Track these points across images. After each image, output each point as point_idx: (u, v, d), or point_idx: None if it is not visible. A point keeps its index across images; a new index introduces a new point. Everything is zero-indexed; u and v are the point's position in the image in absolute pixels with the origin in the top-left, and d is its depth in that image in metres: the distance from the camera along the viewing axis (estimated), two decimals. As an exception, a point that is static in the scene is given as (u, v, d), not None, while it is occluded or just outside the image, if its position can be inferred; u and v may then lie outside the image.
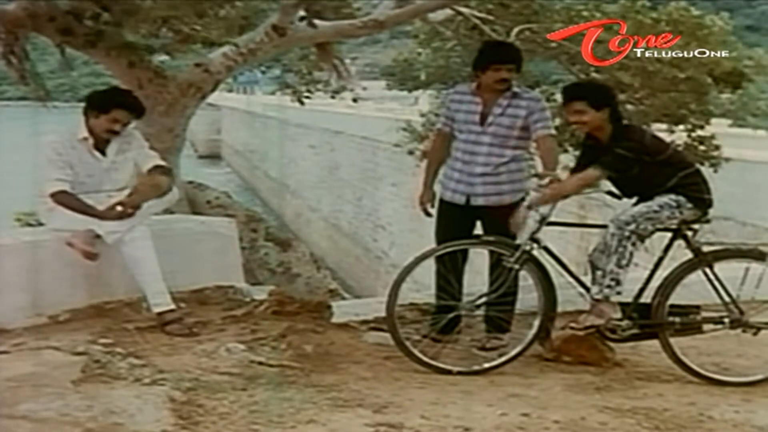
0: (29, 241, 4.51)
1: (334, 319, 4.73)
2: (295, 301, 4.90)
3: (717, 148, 9.95)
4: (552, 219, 4.17)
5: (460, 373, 4.01)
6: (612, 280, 4.06)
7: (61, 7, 6.56)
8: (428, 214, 4.72)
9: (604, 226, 4.17)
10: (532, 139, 4.51)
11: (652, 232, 4.13)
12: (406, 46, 13.66)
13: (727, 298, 4.15)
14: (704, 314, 4.21)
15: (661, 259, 4.21)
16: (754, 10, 49.41)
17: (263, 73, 12.23)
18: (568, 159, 9.80)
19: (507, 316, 4.34)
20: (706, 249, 4.18)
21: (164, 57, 8.11)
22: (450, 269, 4.32)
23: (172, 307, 4.37)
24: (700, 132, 9.91)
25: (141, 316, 4.42)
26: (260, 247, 7.71)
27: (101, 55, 7.10)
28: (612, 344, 4.28)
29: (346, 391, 3.59)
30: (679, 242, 4.19)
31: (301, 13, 7.44)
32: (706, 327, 4.20)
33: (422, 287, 4.81)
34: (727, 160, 9.90)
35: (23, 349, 3.91)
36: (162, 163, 4.67)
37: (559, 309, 4.26)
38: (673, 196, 4.09)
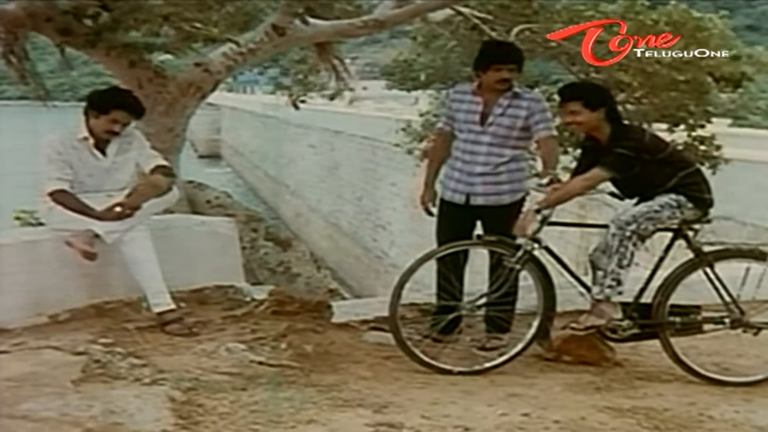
0: (29, 240, 4.51)
1: (334, 319, 4.73)
2: (295, 301, 4.90)
3: (717, 148, 9.95)
4: (552, 219, 4.17)
5: (460, 373, 4.01)
6: (613, 280, 4.06)
7: (60, 6, 6.55)
8: (430, 213, 4.72)
9: (605, 226, 4.17)
10: (533, 140, 4.51)
11: (653, 232, 4.13)
12: (405, 46, 13.67)
13: (727, 298, 4.15)
14: (705, 314, 4.21)
15: (662, 259, 4.21)
16: (754, 10, 49.43)
17: (260, 74, 12.25)
18: (568, 160, 9.83)
19: (507, 316, 4.34)
20: (706, 249, 4.18)
21: (165, 56, 8.11)
22: (451, 269, 4.32)
23: (172, 306, 4.37)
24: (700, 132, 9.91)
25: (141, 316, 4.42)
26: (260, 246, 7.70)
27: (101, 55, 7.10)
28: (612, 344, 4.28)
29: (346, 391, 3.59)
30: (680, 242, 4.19)
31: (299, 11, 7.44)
32: (706, 327, 4.20)
33: (423, 287, 4.81)
34: (727, 161, 9.91)
35: (23, 348, 3.91)
36: (164, 163, 4.67)
37: (559, 309, 4.26)
38: (673, 196, 4.09)
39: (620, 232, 4.03)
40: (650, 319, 4.13)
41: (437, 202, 4.68)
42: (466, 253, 4.39)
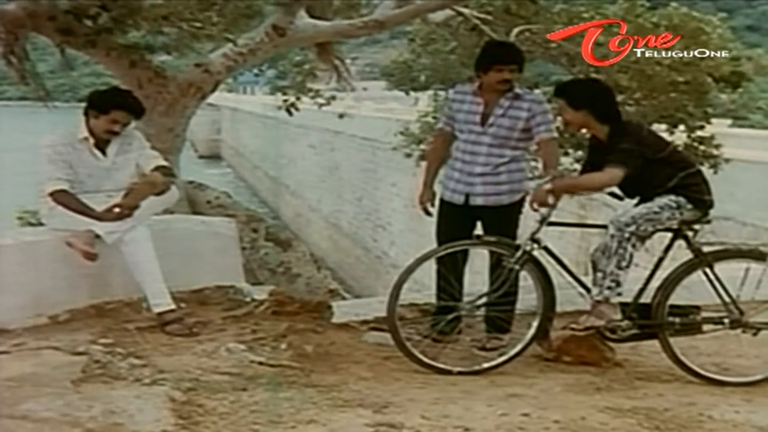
0: (29, 241, 4.51)
1: (335, 319, 4.73)
2: (296, 301, 4.90)
3: (717, 148, 9.95)
4: (552, 219, 4.17)
5: (460, 373, 4.01)
6: (612, 281, 4.05)
7: (61, 6, 6.56)
8: (428, 213, 4.72)
9: (604, 227, 4.17)
10: (534, 141, 4.51)
11: (653, 233, 4.13)
12: (405, 46, 13.63)
13: (727, 299, 4.15)
14: (704, 314, 4.20)
15: (661, 260, 4.21)
16: (754, 10, 49.41)
17: (257, 75, 12.24)
18: (568, 161, 9.83)
19: (507, 316, 4.34)
20: (706, 249, 4.18)
21: (165, 57, 8.11)
22: (450, 269, 4.32)
23: (173, 307, 4.37)
24: (700, 132, 9.91)
25: (141, 316, 4.42)
26: (260, 247, 7.70)
27: (101, 55, 7.11)
28: (612, 344, 4.28)
29: (347, 391, 3.59)
30: (679, 242, 4.19)
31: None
32: (706, 327, 4.20)
33: (422, 287, 4.81)
34: (727, 161, 9.91)
35: (23, 349, 3.91)
36: (164, 163, 4.67)
37: (559, 309, 4.26)
38: (673, 197, 4.09)
39: (619, 233, 4.03)
40: (650, 319, 4.13)
41: (437, 202, 4.68)
42: (465, 253, 4.39)
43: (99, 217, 4.31)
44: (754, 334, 4.18)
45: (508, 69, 4.44)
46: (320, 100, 11.16)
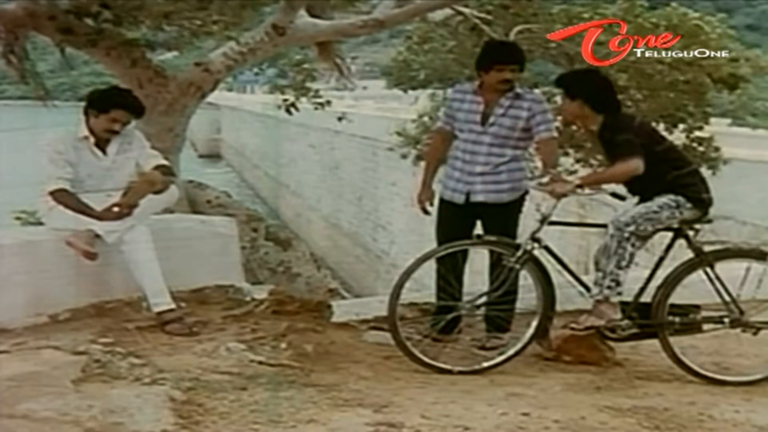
0: (29, 240, 4.51)
1: (334, 319, 4.73)
2: (295, 301, 4.90)
3: (717, 149, 9.96)
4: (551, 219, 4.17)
5: (460, 372, 4.01)
6: (612, 281, 4.05)
7: (61, 6, 6.56)
8: (427, 213, 4.72)
9: (605, 226, 4.17)
10: (534, 140, 4.51)
11: (653, 233, 4.13)
12: (403, 44, 13.62)
13: (727, 298, 4.14)
14: (704, 314, 4.20)
15: (662, 259, 4.20)
16: (754, 10, 49.40)
17: (257, 74, 12.24)
18: (569, 162, 9.83)
19: (507, 315, 4.34)
20: (707, 249, 4.17)
21: (167, 55, 8.12)
22: (450, 269, 4.32)
23: (172, 306, 4.37)
24: (698, 133, 9.92)
25: (141, 316, 4.42)
26: (260, 246, 7.71)
27: (101, 55, 7.11)
28: (612, 343, 4.28)
29: (346, 391, 3.59)
30: (679, 242, 4.19)
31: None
32: (706, 326, 4.20)
33: (422, 287, 4.81)
34: (726, 162, 9.91)
35: (23, 348, 3.91)
36: (164, 162, 4.66)
37: (559, 308, 4.26)
38: (672, 197, 4.09)
39: (618, 233, 4.03)
40: (650, 318, 4.12)
41: (437, 201, 4.67)
42: (465, 252, 4.39)
43: (99, 217, 4.31)
44: (755, 334, 4.18)
45: (509, 69, 4.43)
46: (318, 100, 11.16)
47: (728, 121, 16.54)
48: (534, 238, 4.11)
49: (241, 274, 5.29)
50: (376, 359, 4.16)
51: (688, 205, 4.10)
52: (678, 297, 4.16)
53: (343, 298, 7.67)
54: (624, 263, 4.03)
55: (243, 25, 7.84)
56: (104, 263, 4.37)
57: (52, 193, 4.39)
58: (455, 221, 4.52)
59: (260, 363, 3.88)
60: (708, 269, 4.13)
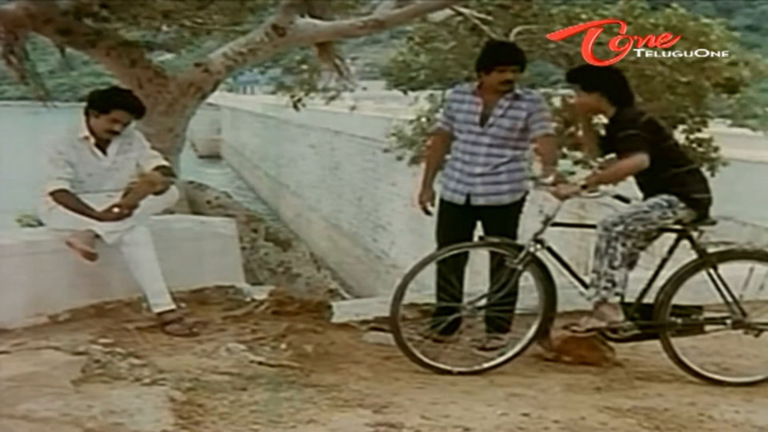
0: (29, 241, 4.51)
1: (334, 319, 4.73)
2: (296, 301, 4.90)
3: (716, 150, 9.95)
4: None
5: (460, 373, 4.00)
6: (607, 281, 4.04)
7: (60, 7, 6.56)
8: (428, 213, 4.72)
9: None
10: (531, 138, 4.50)
11: (647, 233, 4.10)
12: (404, 44, 13.61)
13: (730, 299, 4.14)
14: (706, 315, 4.19)
15: (665, 260, 4.19)
16: (754, 10, 49.45)
17: (262, 73, 12.26)
18: (568, 164, 9.83)
19: (507, 316, 4.34)
20: (710, 250, 4.17)
21: (165, 56, 8.12)
22: (451, 270, 4.31)
23: (172, 307, 4.37)
24: (698, 134, 9.93)
25: (141, 316, 4.42)
26: (260, 247, 7.71)
27: (101, 55, 7.12)
28: (612, 344, 4.27)
29: (346, 391, 3.59)
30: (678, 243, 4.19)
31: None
32: (708, 328, 4.19)
33: (422, 287, 4.81)
34: (725, 163, 9.91)
35: (23, 349, 3.91)
36: (164, 163, 4.67)
37: (559, 309, 4.26)
38: (665, 196, 4.07)
39: (606, 233, 4.02)
40: (652, 319, 4.11)
41: (437, 202, 4.68)
42: (466, 253, 4.39)
43: (99, 217, 4.31)
44: (757, 335, 4.17)
45: (511, 69, 4.43)
46: (331, 94, 11.12)
47: (729, 121, 16.52)
48: (537, 240, 4.10)
49: (241, 275, 5.29)
50: (376, 360, 4.16)
51: (681, 204, 4.07)
52: (678, 297, 4.16)
53: (343, 298, 7.67)
54: (616, 263, 4.02)
55: (243, 26, 7.85)
56: (104, 263, 4.37)
57: (52, 194, 4.39)
58: (455, 222, 4.52)
59: (260, 363, 3.88)
60: (711, 270, 4.12)
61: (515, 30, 9.17)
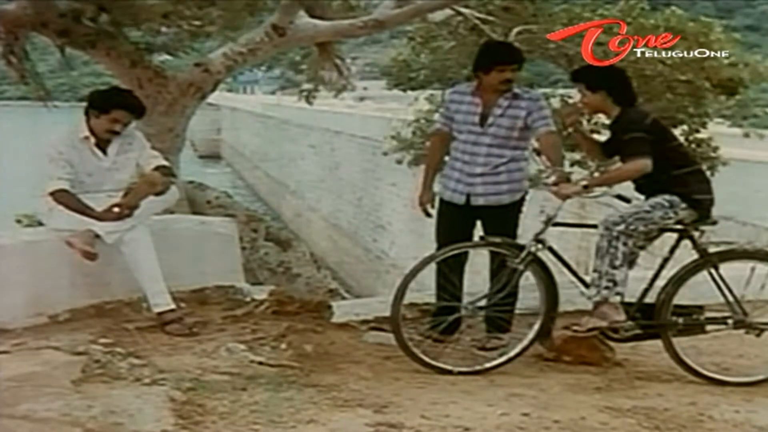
0: (29, 241, 4.51)
1: (335, 319, 4.73)
2: (296, 301, 4.90)
3: (715, 150, 9.95)
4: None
5: (461, 373, 4.00)
6: (609, 281, 4.04)
7: (60, 7, 6.56)
8: (428, 215, 4.71)
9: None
10: (534, 137, 4.50)
11: (648, 233, 4.10)
12: (405, 44, 13.60)
13: (731, 299, 4.13)
14: (708, 314, 4.19)
15: (666, 260, 4.19)
16: (754, 10, 49.48)
17: (269, 68, 12.23)
18: (566, 164, 9.80)
19: (507, 316, 4.34)
20: (711, 250, 4.16)
21: (165, 57, 8.12)
22: (451, 269, 4.31)
23: (172, 307, 4.37)
24: (697, 135, 9.92)
25: (141, 316, 4.42)
26: (260, 246, 7.71)
27: (101, 55, 7.12)
28: (612, 344, 4.27)
29: (346, 391, 3.59)
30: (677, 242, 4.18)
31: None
32: (709, 327, 4.18)
33: (422, 287, 4.81)
34: (725, 163, 9.90)
35: (23, 349, 3.91)
36: (164, 163, 4.67)
37: (560, 308, 4.25)
38: (667, 196, 4.08)
39: (607, 233, 4.03)
40: (653, 319, 4.11)
41: (437, 202, 4.67)
42: (466, 253, 4.39)
43: (99, 217, 4.31)
44: (758, 335, 4.17)
45: (510, 69, 4.43)
46: (337, 86, 11.10)
47: (728, 122, 16.51)
48: (538, 240, 4.10)
49: (241, 275, 5.29)
50: (376, 359, 4.16)
51: (683, 205, 4.07)
52: (679, 297, 4.15)
53: (343, 298, 7.67)
54: (617, 262, 4.02)
55: (242, 27, 7.84)
56: (104, 263, 4.37)
57: (52, 194, 4.39)
58: (455, 222, 4.52)
59: (260, 363, 3.88)
60: (713, 270, 4.12)
61: (515, 30, 9.17)
